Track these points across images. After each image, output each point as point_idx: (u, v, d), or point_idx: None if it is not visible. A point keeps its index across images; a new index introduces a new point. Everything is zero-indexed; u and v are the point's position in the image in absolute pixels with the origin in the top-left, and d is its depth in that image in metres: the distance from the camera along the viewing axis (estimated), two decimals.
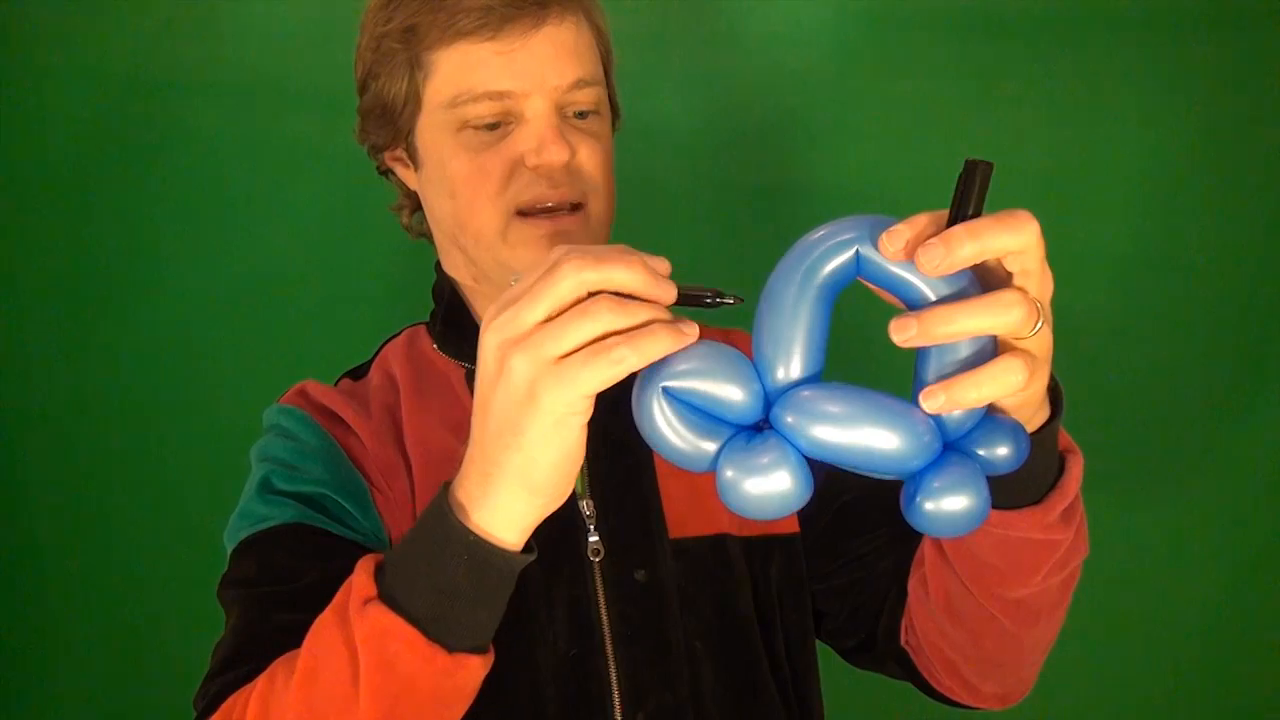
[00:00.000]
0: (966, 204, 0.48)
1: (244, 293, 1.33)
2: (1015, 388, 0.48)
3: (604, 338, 0.51)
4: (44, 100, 1.29)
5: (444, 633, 0.56)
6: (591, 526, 0.77)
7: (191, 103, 1.29)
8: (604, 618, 0.76)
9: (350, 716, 0.57)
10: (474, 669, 0.58)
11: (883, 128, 1.30)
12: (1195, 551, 1.37)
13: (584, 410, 0.52)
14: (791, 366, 0.51)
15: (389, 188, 0.89)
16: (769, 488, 0.50)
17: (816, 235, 0.51)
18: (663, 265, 0.54)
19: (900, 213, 0.50)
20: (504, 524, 0.56)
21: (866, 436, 0.49)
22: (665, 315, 0.52)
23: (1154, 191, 1.30)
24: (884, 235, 0.48)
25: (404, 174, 0.83)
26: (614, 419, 0.60)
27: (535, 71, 0.74)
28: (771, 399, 0.51)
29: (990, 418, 0.53)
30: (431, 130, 0.77)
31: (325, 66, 1.24)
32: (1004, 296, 0.47)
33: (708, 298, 0.56)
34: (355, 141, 0.84)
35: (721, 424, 0.52)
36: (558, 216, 0.76)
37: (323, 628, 0.59)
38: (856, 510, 0.84)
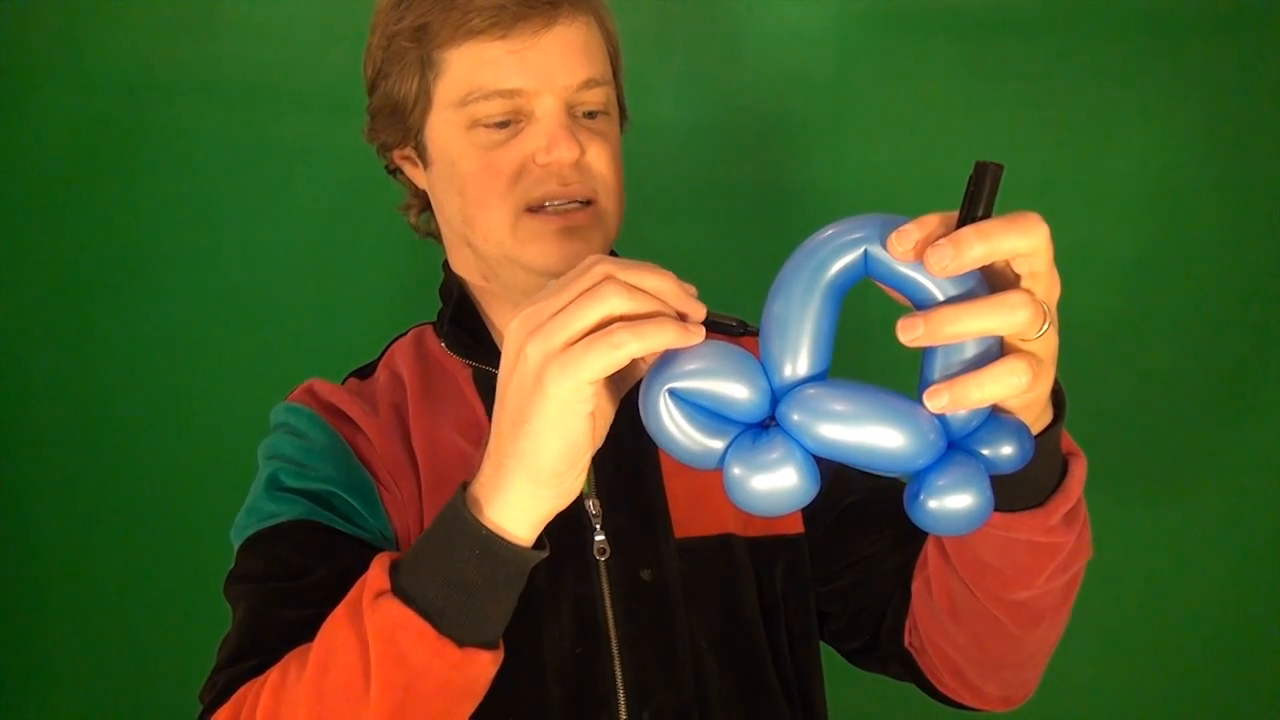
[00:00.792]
0: (976, 205, 0.48)
1: (245, 292, 1.33)
2: (1019, 389, 0.48)
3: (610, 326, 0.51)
4: (44, 100, 1.29)
5: (454, 627, 0.57)
6: (597, 525, 0.78)
7: (191, 103, 1.29)
8: (610, 617, 0.76)
9: (361, 709, 0.57)
10: (484, 664, 0.58)
11: (883, 128, 1.30)
12: (1195, 551, 1.38)
13: (589, 399, 0.52)
14: (798, 364, 0.51)
15: (391, 186, 0.89)
16: (776, 484, 0.50)
17: (825, 234, 0.51)
18: (691, 288, 0.55)
19: (900, 213, 0.50)
20: (515, 518, 0.56)
21: (872, 434, 0.49)
22: (674, 314, 0.53)
23: (1156, 192, 1.31)
24: (893, 235, 0.48)
25: (413, 173, 0.84)
26: (619, 418, 0.60)
27: (546, 70, 0.74)
28: (778, 396, 0.52)
29: (995, 417, 0.53)
30: (442, 128, 0.77)
31: (325, 67, 1.25)
32: (1011, 298, 0.47)
33: (734, 325, 0.57)
34: (357, 141, 0.84)
35: (728, 422, 0.52)
36: (568, 212, 0.76)
37: (336, 621, 0.60)
38: (860, 512, 0.84)
